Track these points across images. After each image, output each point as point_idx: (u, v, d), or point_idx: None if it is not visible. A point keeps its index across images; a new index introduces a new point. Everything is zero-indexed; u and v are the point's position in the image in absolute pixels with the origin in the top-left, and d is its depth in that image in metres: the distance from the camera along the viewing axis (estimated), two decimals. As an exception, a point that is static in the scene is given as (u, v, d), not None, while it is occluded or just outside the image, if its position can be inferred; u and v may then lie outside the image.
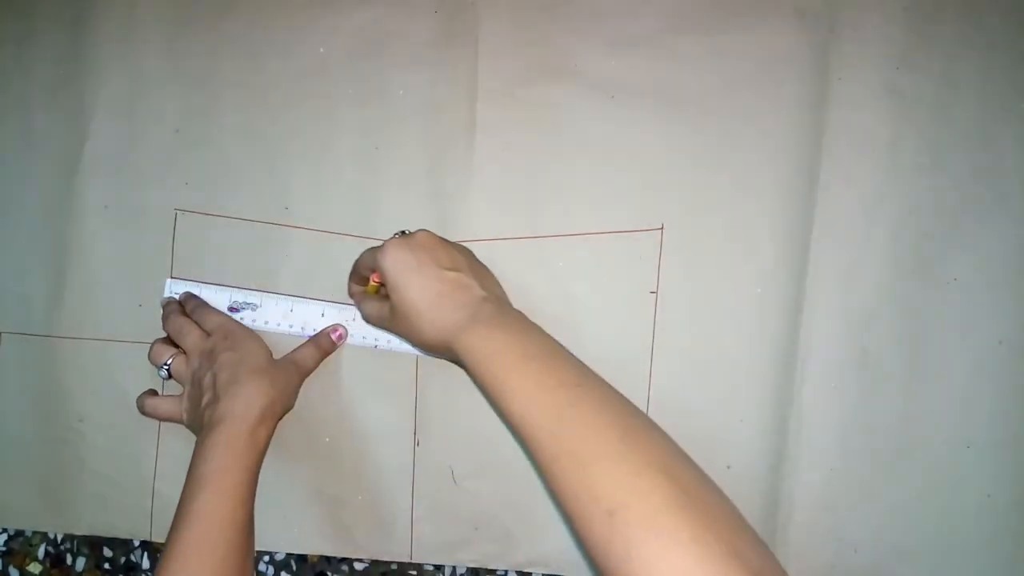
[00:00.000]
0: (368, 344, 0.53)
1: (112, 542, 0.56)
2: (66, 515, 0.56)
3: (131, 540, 0.56)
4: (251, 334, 0.52)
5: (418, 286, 0.45)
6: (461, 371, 0.52)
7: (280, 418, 0.50)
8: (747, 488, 0.50)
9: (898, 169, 0.50)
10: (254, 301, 0.54)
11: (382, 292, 0.50)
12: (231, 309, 0.54)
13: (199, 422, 0.49)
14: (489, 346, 0.42)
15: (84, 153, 0.56)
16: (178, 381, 0.52)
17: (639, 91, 0.52)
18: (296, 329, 0.54)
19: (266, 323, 0.54)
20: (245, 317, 0.54)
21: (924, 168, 0.50)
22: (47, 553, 0.57)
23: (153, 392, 0.54)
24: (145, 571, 0.56)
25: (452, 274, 0.45)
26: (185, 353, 0.52)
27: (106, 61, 0.55)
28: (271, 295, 0.54)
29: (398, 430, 0.53)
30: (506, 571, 0.53)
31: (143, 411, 0.53)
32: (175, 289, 0.55)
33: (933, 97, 0.50)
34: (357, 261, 0.50)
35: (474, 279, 0.46)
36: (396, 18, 0.54)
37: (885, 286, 0.49)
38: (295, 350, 0.52)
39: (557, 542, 0.52)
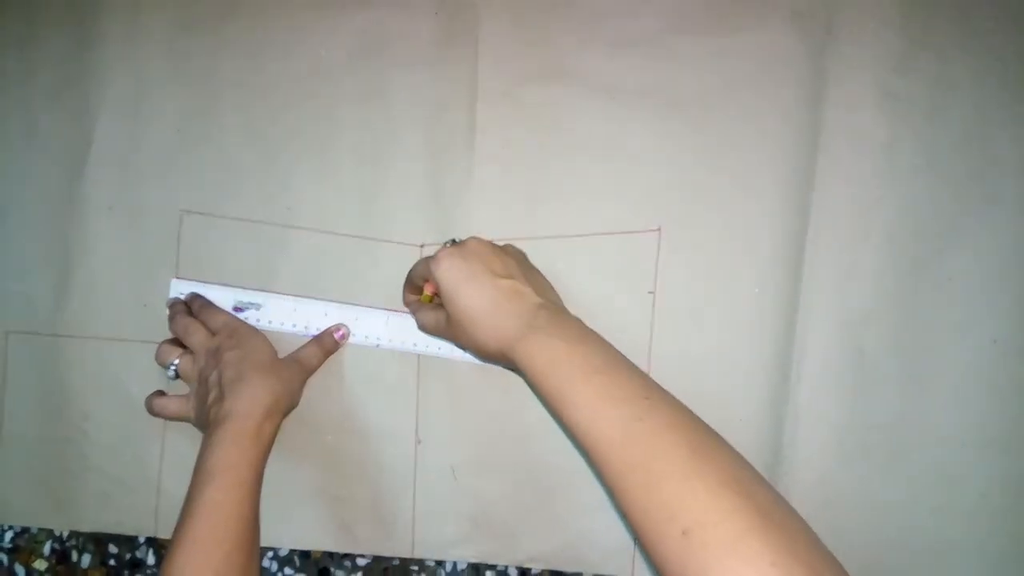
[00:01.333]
0: (370, 344, 0.54)
1: (117, 539, 0.57)
2: (71, 512, 0.57)
3: (136, 537, 0.57)
4: (256, 332, 0.52)
5: (473, 295, 0.44)
6: (463, 369, 0.53)
7: (285, 415, 0.51)
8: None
9: (894, 170, 0.50)
10: (258, 301, 0.54)
11: (436, 301, 0.50)
12: (236, 309, 0.54)
13: (206, 419, 0.49)
14: (548, 355, 0.42)
15: (88, 154, 0.56)
16: (185, 381, 0.53)
17: (638, 92, 0.52)
18: (300, 328, 0.54)
19: (270, 323, 0.54)
20: (249, 317, 0.54)
21: (920, 169, 0.50)
22: (53, 550, 0.58)
23: (161, 393, 0.54)
24: (151, 567, 0.57)
25: (507, 282, 0.45)
26: (191, 353, 0.52)
27: (110, 62, 0.56)
28: (275, 295, 0.55)
29: (400, 428, 0.54)
30: (506, 567, 0.54)
31: (151, 411, 0.53)
32: (181, 289, 0.55)
33: (929, 99, 0.50)
34: (411, 271, 0.51)
35: (528, 285, 0.45)
36: (396, 19, 0.54)
37: (881, 286, 0.50)
38: (299, 349, 0.53)
39: (557, 538, 0.53)
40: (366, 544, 0.54)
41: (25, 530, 0.58)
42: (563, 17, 0.53)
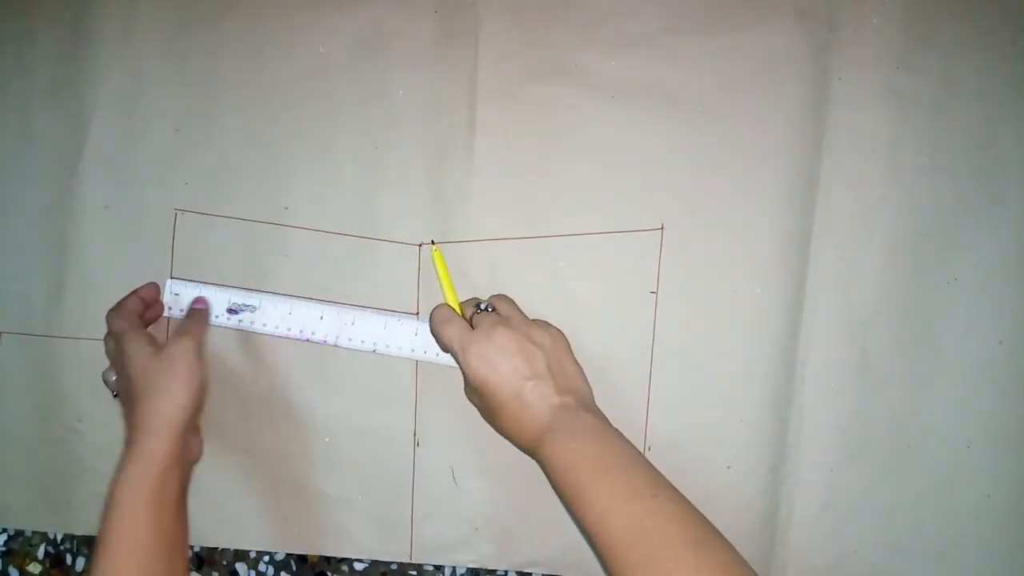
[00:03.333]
0: (367, 348, 0.53)
1: (112, 542, 0.56)
2: (66, 515, 0.56)
3: (131, 540, 0.56)
4: (137, 334, 0.49)
5: (496, 393, 0.45)
6: (460, 373, 0.52)
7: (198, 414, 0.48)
8: (747, 488, 0.50)
9: (898, 169, 0.50)
10: (253, 303, 0.54)
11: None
12: (230, 311, 0.54)
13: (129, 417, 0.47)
14: (564, 457, 0.43)
15: (84, 153, 0.56)
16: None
17: (639, 91, 0.52)
18: (295, 332, 0.53)
19: (264, 325, 0.53)
20: (244, 319, 0.54)
21: (924, 168, 0.50)
22: (47, 553, 0.57)
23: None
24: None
25: (530, 384, 0.45)
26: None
27: (106, 61, 0.55)
28: (270, 296, 0.54)
29: (398, 431, 0.54)
30: (506, 571, 0.53)
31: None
32: (175, 290, 0.54)
33: (933, 97, 0.50)
34: (439, 327, 0.48)
35: (551, 384, 0.45)
36: (396, 18, 0.54)
37: (885, 286, 0.49)
38: (180, 328, 0.50)
39: (557, 543, 0.52)
40: (364, 548, 0.54)
41: (19, 533, 0.57)
42: (564, 16, 0.52)
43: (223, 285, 0.54)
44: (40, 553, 0.57)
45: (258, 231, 0.55)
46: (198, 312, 0.52)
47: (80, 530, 0.56)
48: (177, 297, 0.54)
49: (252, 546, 0.55)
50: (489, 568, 0.53)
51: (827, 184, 0.50)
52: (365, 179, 0.54)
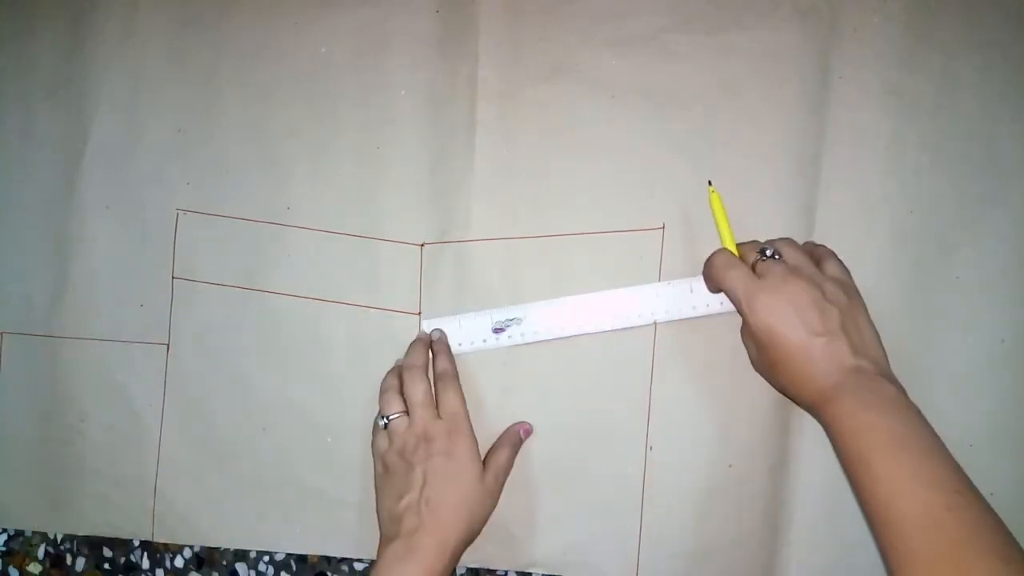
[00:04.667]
0: (645, 321, 0.51)
1: (112, 542, 0.56)
2: (67, 515, 0.56)
3: (131, 540, 0.56)
4: (471, 443, 0.49)
5: (782, 346, 0.43)
6: (465, 371, 0.52)
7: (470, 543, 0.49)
8: (748, 487, 0.50)
9: (899, 168, 0.50)
10: (518, 315, 0.52)
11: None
12: (496, 330, 0.52)
13: (393, 507, 0.47)
14: (854, 423, 0.40)
15: (85, 153, 0.56)
16: (389, 435, 0.50)
17: (640, 90, 0.52)
18: (569, 330, 0.51)
19: (536, 334, 0.52)
20: (513, 335, 0.52)
21: (925, 167, 0.49)
22: (47, 553, 0.57)
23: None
24: (145, 571, 0.56)
25: (821, 340, 0.42)
26: (407, 413, 0.49)
27: (107, 61, 0.56)
28: (532, 304, 0.52)
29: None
30: (506, 572, 0.53)
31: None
32: (432, 326, 0.53)
33: (934, 96, 0.49)
34: (717, 270, 0.46)
35: (846, 343, 0.42)
36: (397, 18, 0.54)
37: (886, 285, 0.49)
38: (492, 455, 0.50)
39: (557, 543, 0.52)
40: (364, 548, 0.54)
41: (19, 533, 0.57)
42: (564, 16, 0.52)
43: (479, 310, 0.53)
44: (40, 553, 0.57)
45: (260, 231, 0.55)
46: (514, 439, 0.51)
47: (81, 530, 0.56)
48: (437, 332, 0.53)
49: (252, 546, 0.55)
50: (489, 568, 0.53)
51: (828, 183, 0.50)
52: (366, 178, 0.54)
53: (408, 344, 0.52)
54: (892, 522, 0.38)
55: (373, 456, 0.50)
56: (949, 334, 0.49)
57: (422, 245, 0.53)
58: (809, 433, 0.50)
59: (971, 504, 0.37)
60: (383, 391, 0.51)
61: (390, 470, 0.48)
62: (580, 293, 0.51)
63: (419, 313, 0.53)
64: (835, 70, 0.50)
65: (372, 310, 0.54)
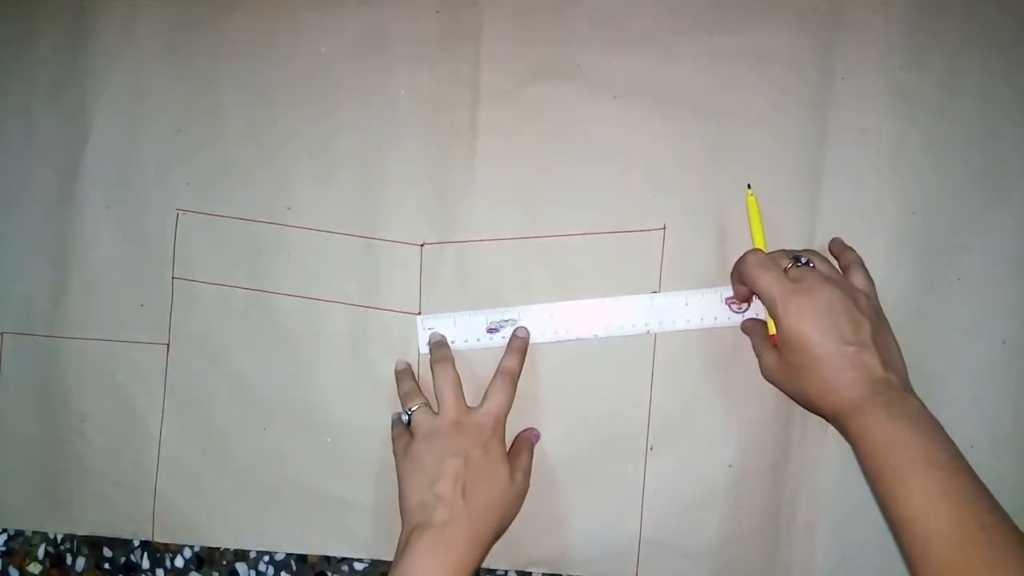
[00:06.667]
0: (638, 331, 0.52)
1: (112, 542, 0.56)
2: (67, 515, 0.56)
3: (131, 540, 0.56)
4: (504, 444, 0.49)
5: (813, 352, 0.42)
6: (466, 370, 0.52)
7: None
8: (749, 487, 0.50)
9: (901, 169, 0.50)
10: (512, 316, 0.52)
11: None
12: (490, 330, 0.52)
13: (424, 494, 0.46)
14: (884, 436, 0.40)
15: (86, 153, 0.56)
16: (413, 428, 0.49)
17: (642, 91, 0.52)
18: (561, 334, 0.52)
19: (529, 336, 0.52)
20: (506, 336, 0.52)
21: (927, 168, 0.49)
22: (47, 553, 0.57)
23: (404, 425, 0.51)
24: (145, 571, 0.56)
25: (852, 349, 0.42)
26: (427, 405, 0.50)
27: (108, 61, 0.55)
28: (526, 306, 0.52)
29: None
30: (507, 571, 0.53)
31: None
32: (428, 324, 0.53)
33: (936, 97, 0.49)
34: (745, 270, 0.46)
35: (877, 356, 0.42)
36: (398, 18, 0.54)
37: (888, 286, 0.49)
38: (516, 457, 0.50)
39: (557, 543, 0.52)
40: (364, 548, 0.54)
41: (19, 533, 0.57)
42: (566, 16, 0.52)
43: (475, 310, 0.53)
44: (40, 553, 0.57)
45: (260, 231, 0.55)
46: (530, 443, 0.51)
47: (81, 530, 0.56)
48: (430, 331, 0.53)
49: (252, 546, 0.55)
50: (490, 568, 0.53)
51: (830, 184, 0.50)
52: (367, 179, 0.54)
53: (407, 343, 0.53)
54: (924, 537, 0.38)
55: (396, 455, 0.50)
56: (951, 335, 0.49)
57: (422, 245, 0.53)
58: (809, 433, 0.50)
59: (1003, 523, 0.38)
60: (403, 386, 0.51)
61: (417, 459, 0.47)
62: (581, 293, 0.52)
63: (419, 313, 0.53)
64: (837, 71, 0.50)
65: (372, 310, 0.54)
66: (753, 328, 0.49)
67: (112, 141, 0.56)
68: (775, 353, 0.46)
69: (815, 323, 0.43)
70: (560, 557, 0.52)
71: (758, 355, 0.48)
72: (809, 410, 0.46)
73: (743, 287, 0.47)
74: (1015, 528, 0.38)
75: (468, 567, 0.44)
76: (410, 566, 0.43)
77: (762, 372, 0.48)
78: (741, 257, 0.47)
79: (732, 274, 0.48)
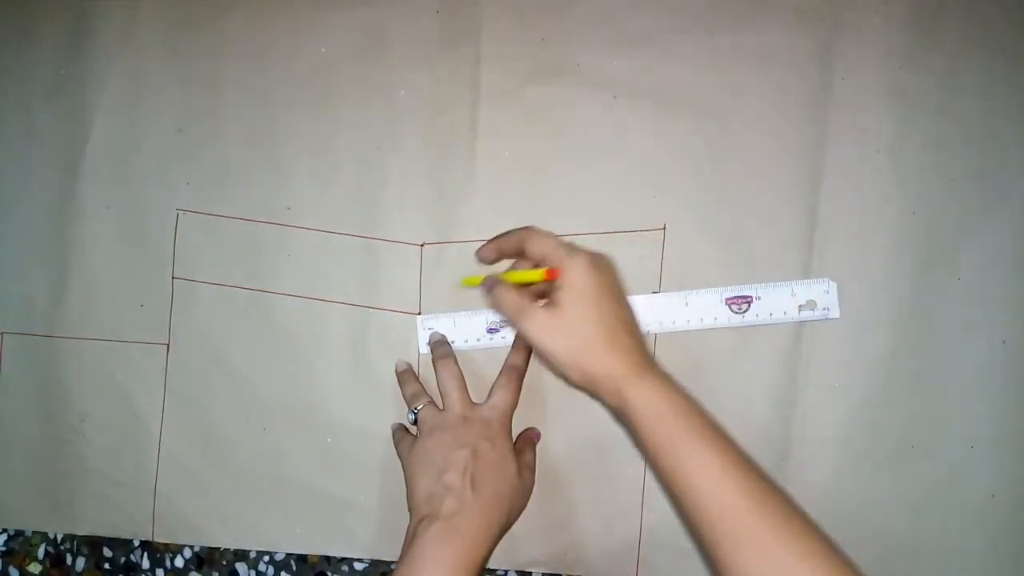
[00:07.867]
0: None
1: (112, 542, 0.56)
2: (67, 515, 0.56)
3: (131, 540, 0.56)
4: (511, 440, 0.49)
5: (598, 312, 0.42)
6: (466, 368, 0.52)
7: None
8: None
9: (901, 169, 0.50)
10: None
11: (532, 288, 0.46)
12: (490, 331, 0.52)
13: (433, 485, 0.46)
14: (667, 406, 0.41)
15: (86, 153, 0.56)
16: (418, 426, 0.50)
17: (642, 91, 0.52)
18: None
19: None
20: (507, 335, 0.52)
21: (927, 168, 0.49)
22: (47, 553, 0.57)
23: (404, 429, 0.52)
24: (145, 571, 0.56)
25: (626, 313, 0.43)
26: (433, 404, 0.50)
27: (107, 61, 0.55)
28: None
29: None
30: (506, 571, 0.53)
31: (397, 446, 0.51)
32: (428, 325, 0.53)
33: (936, 97, 0.49)
34: (520, 236, 0.46)
35: (639, 330, 0.43)
36: (398, 18, 0.54)
37: (889, 286, 0.49)
38: (521, 454, 0.49)
39: (557, 542, 0.52)
40: (364, 548, 0.54)
41: (20, 533, 0.57)
42: (565, 17, 0.52)
43: (472, 311, 0.53)
44: (40, 553, 0.57)
45: (260, 231, 0.55)
46: (532, 442, 0.51)
47: (81, 530, 0.56)
48: (430, 331, 0.53)
49: (252, 546, 0.55)
50: (489, 568, 0.53)
51: (830, 184, 0.50)
52: (367, 179, 0.54)
53: (407, 343, 0.53)
54: (716, 508, 0.39)
55: (401, 457, 0.50)
56: (951, 335, 0.49)
57: (422, 245, 0.53)
58: (812, 434, 0.50)
59: (774, 486, 0.40)
60: (407, 388, 0.51)
61: (424, 453, 0.47)
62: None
63: (419, 313, 0.53)
64: (837, 71, 0.50)
65: (372, 310, 0.54)
66: (505, 289, 0.45)
67: (112, 141, 0.56)
68: (545, 311, 0.43)
69: (602, 282, 0.43)
70: (560, 557, 0.52)
71: (518, 316, 0.44)
72: (570, 381, 0.43)
73: (510, 243, 0.47)
74: (783, 490, 0.40)
75: (477, 558, 0.44)
76: (419, 556, 0.43)
77: (527, 334, 0.44)
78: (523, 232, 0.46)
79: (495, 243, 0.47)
